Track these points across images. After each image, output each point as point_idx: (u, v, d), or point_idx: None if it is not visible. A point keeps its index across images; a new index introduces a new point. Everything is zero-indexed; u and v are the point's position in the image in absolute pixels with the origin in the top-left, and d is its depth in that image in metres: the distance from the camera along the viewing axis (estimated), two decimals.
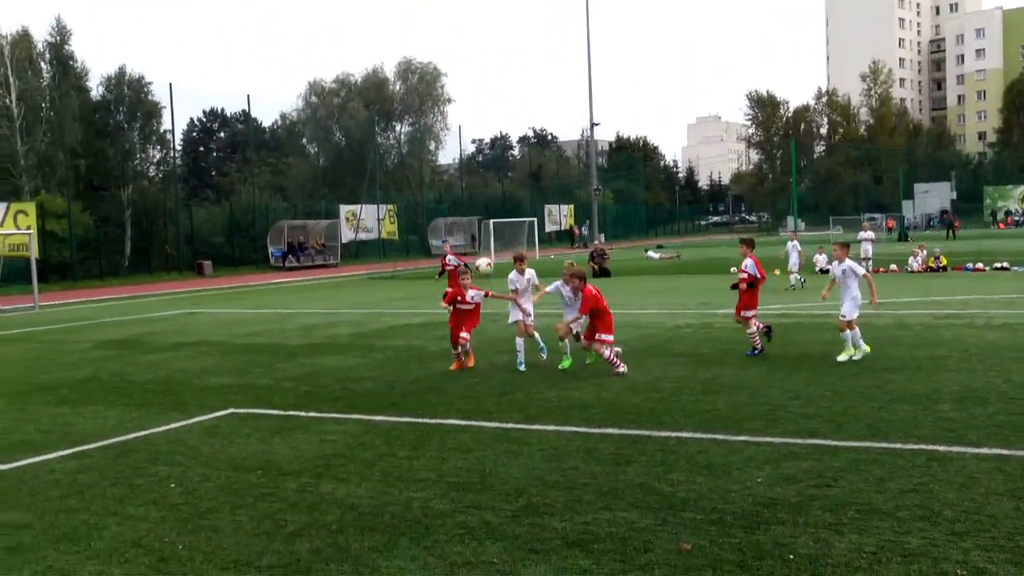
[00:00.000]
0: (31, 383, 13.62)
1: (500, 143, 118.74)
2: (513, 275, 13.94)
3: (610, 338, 12.44)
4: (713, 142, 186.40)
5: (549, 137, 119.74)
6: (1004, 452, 7.69)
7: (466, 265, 19.59)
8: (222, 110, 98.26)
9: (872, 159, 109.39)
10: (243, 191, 64.23)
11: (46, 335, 21.18)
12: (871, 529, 5.94)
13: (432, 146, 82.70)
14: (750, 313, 13.94)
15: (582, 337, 12.89)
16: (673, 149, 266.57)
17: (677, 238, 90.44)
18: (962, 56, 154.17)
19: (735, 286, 14.40)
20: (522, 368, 12.88)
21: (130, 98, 53.45)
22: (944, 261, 32.09)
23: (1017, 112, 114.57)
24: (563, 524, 6.25)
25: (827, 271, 32.37)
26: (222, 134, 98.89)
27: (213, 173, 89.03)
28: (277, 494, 7.22)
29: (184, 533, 6.36)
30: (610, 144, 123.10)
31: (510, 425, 9.44)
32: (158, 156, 57.87)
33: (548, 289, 13.71)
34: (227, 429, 9.81)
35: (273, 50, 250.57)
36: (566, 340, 13.24)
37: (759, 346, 13.66)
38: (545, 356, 13.54)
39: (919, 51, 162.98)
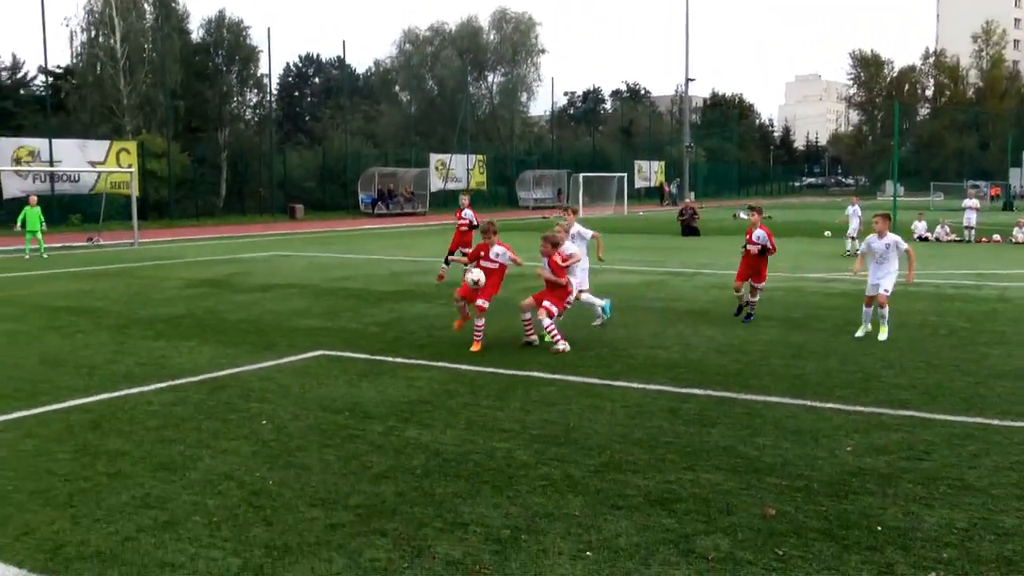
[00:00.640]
0: (130, 317, 14.09)
1: (592, 96, 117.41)
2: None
3: (555, 309, 11.17)
4: (811, 102, 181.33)
5: (642, 92, 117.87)
6: None
7: (473, 225, 18.67)
8: (317, 56, 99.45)
9: (980, 123, 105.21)
10: (335, 137, 64.99)
11: (144, 271, 21.87)
12: (963, 505, 5.79)
13: (524, 97, 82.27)
14: (761, 284, 13.55)
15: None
16: (769, 108, 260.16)
17: (770, 199, 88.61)
18: None
19: (745, 253, 13.58)
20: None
21: (229, 41, 54.39)
22: None
23: None
24: (645, 482, 6.24)
25: (926, 238, 31.47)
26: (317, 80, 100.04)
27: (307, 118, 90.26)
28: (364, 436, 7.36)
29: (274, 469, 6.53)
30: (704, 101, 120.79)
31: (594, 380, 9.43)
32: (254, 100, 59.03)
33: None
34: (316, 370, 10.02)
35: None
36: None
37: (752, 314, 13.48)
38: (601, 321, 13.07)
39: None
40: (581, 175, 56.12)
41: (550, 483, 6.22)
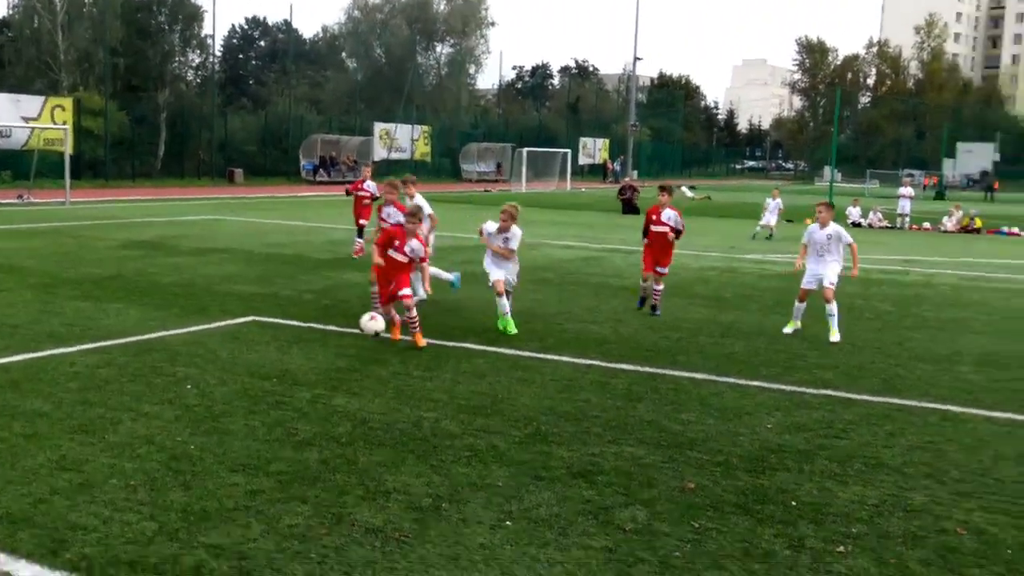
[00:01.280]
0: (58, 277, 13.78)
1: (540, 72, 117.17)
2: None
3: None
4: (756, 85, 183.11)
5: (591, 69, 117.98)
6: (1018, 417, 7.65)
7: (375, 197, 17.30)
8: (264, 18, 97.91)
9: (917, 114, 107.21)
10: (279, 102, 64.03)
11: (75, 230, 21.38)
12: (876, 482, 5.95)
13: (472, 70, 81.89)
14: (666, 270, 12.43)
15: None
16: (716, 90, 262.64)
17: (711, 180, 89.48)
18: (1023, 14, 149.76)
19: (650, 236, 12.34)
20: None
21: (172, 0, 53.11)
22: (979, 223, 31.60)
23: None
24: (570, 454, 6.30)
25: (859, 224, 32.07)
26: (262, 43, 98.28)
27: (251, 82, 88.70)
28: (291, 403, 7.31)
29: (197, 434, 6.46)
30: (652, 80, 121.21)
31: (526, 353, 9.47)
32: (197, 61, 57.75)
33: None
34: (247, 336, 9.92)
35: None
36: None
37: (658, 306, 12.20)
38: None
39: (978, 6, 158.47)
40: (525, 150, 56.03)
41: (475, 453, 6.24)
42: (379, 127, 59.97)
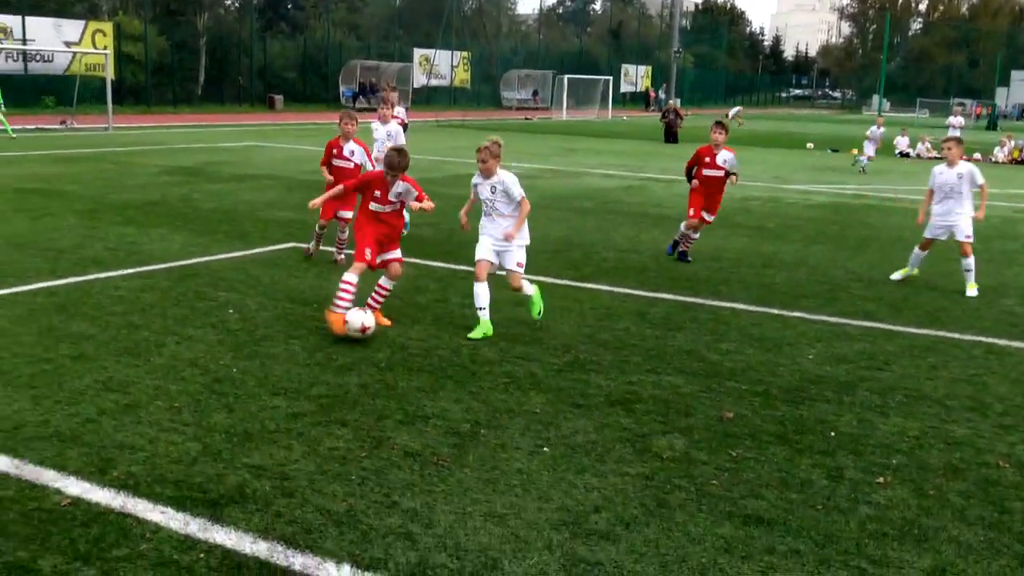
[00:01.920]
0: (101, 202, 13.91)
1: None
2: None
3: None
4: (804, 11, 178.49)
5: None
6: None
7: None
8: None
9: (970, 41, 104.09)
10: (317, 27, 63.51)
11: (118, 156, 21.52)
12: (917, 414, 5.90)
13: None
14: (713, 217, 11.16)
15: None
16: (761, 16, 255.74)
17: (756, 108, 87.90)
18: None
19: (701, 178, 10.90)
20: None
21: None
22: None
23: None
24: (608, 382, 6.30)
25: (907, 154, 31.38)
26: None
27: (289, 6, 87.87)
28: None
29: (239, 358, 6.54)
30: (696, 6, 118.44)
31: (564, 282, 9.45)
32: None
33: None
34: (287, 262, 9.98)
35: None
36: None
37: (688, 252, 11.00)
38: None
39: None
40: (566, 77, 55.29)
41: (513, 380, 6.27)
42: (418, 53, 59.39)
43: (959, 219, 9.87)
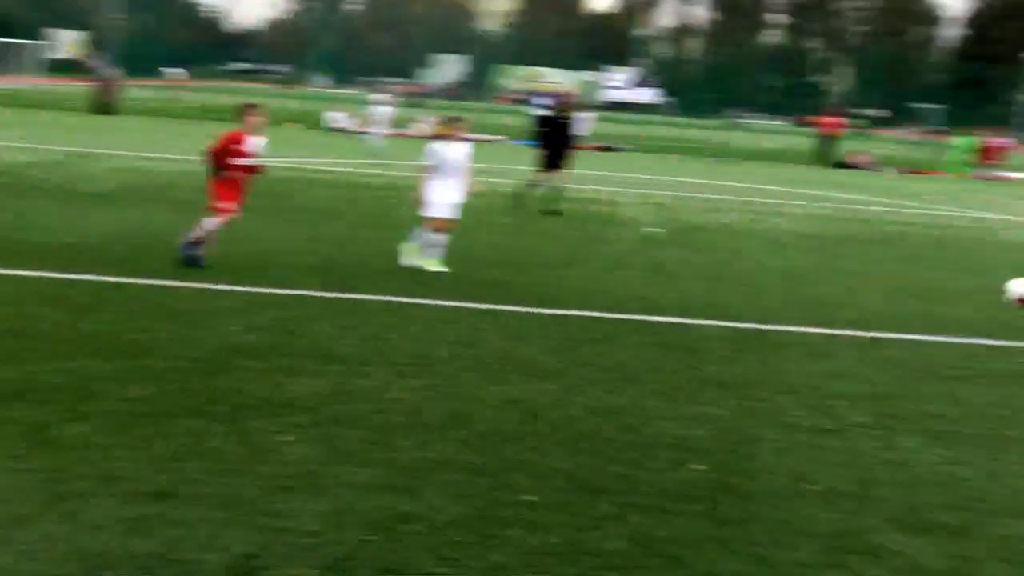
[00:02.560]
0: None
1: None
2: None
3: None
4: None
5: None
6: (458, 304, 8.52)
7: None
8: None
9: (401, 22, 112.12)
10: None
11: None
12: (326, 373, 6.30)
13: None
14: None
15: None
16: None
17: (199, 81, 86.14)
18: None
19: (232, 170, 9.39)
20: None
21: None
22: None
23: None
24: (8, 373, 5.81)
25: (344, 129, 33.00)
26: None
27: None
28: None
29: None
30: None
31: None
32: None
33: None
34: None
35: None
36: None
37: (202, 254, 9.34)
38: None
39: None
40: None
41: None
42: None
43: (457, 195, 10.15)
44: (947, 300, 10.48)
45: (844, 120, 34.13)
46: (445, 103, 64.89)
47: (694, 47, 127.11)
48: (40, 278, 8.34)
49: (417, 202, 10.21)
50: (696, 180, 23.93)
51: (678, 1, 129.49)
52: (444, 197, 10.03)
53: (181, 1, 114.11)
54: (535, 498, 4.66)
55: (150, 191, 14.49)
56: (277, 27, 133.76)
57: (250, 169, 9.54)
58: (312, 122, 34.28)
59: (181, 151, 19.89)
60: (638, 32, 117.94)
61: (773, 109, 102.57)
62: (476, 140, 16.15)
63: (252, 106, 9.72)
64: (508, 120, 40.80)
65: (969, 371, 7.61)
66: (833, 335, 8.52)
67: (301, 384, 6.03)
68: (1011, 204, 23.90)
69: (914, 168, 35.20)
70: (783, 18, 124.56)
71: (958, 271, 12.62)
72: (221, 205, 9.34)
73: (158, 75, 77.87)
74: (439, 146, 10.28)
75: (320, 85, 69.53)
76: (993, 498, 5.09)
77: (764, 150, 40.27)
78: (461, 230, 10.52)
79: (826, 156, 33.53)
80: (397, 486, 4.68)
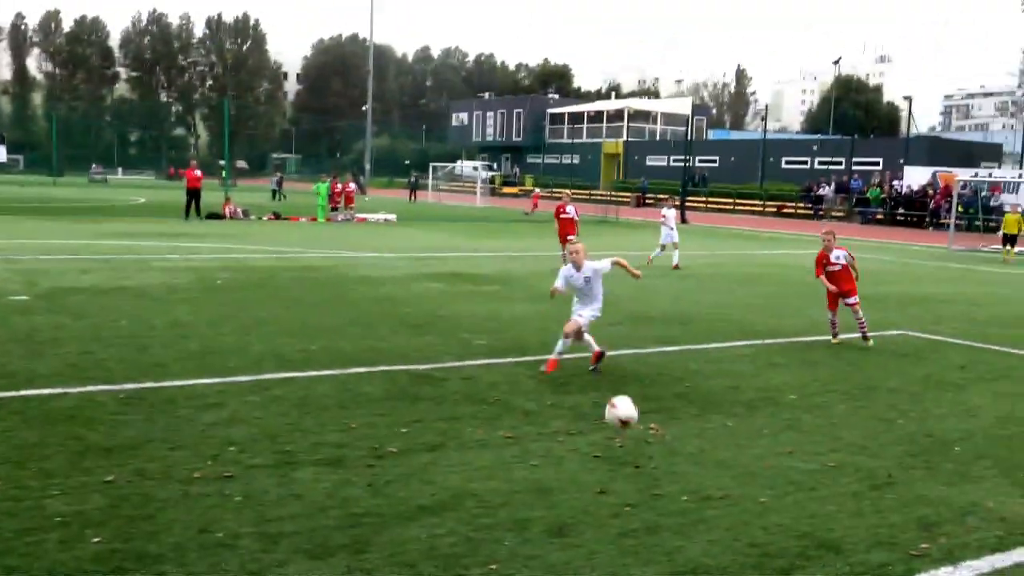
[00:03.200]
0: None
1: None
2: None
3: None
4: None
5: None
6: None
7: None
8: None
9: None
10: None
11: None
12: None
13: None
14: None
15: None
16: None
17: None
18: None
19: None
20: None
21: None
22: None
23: None
24: None
25: None
26: None
27: None
28: None
29: None
30: None
31: None
32: None
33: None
34: None
35: None
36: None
37: None
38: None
39: None
40: None
41: None
42: None
43: None
44: (322, 336, 11.24)
45: (200, 173, 34.64)
46: None
47: (37, 102, 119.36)
48: None
49: None
50: (60, 241, 22.47)
51: (10, 54, 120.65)
52: None
53: None
54: None
55: None
56: None
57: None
58: None
59: None
60: None
61: (137, 163, 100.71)
62: None
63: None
64: None
65: (347, 398, 8.27)
66: (224, 383, 8.65)
67: None
68: (364, 242, 26.39)
69: (281, 215, 37.11)
70: (132, 72, 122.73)
71: (328, 308, 13.58)
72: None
73: None
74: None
75: None
76: (379, 511, 5.61)
77: (133, 206, 39.28)
78: None
79: (196, 207, 33.73)
80: None
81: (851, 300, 12.26)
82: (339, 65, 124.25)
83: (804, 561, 5.12)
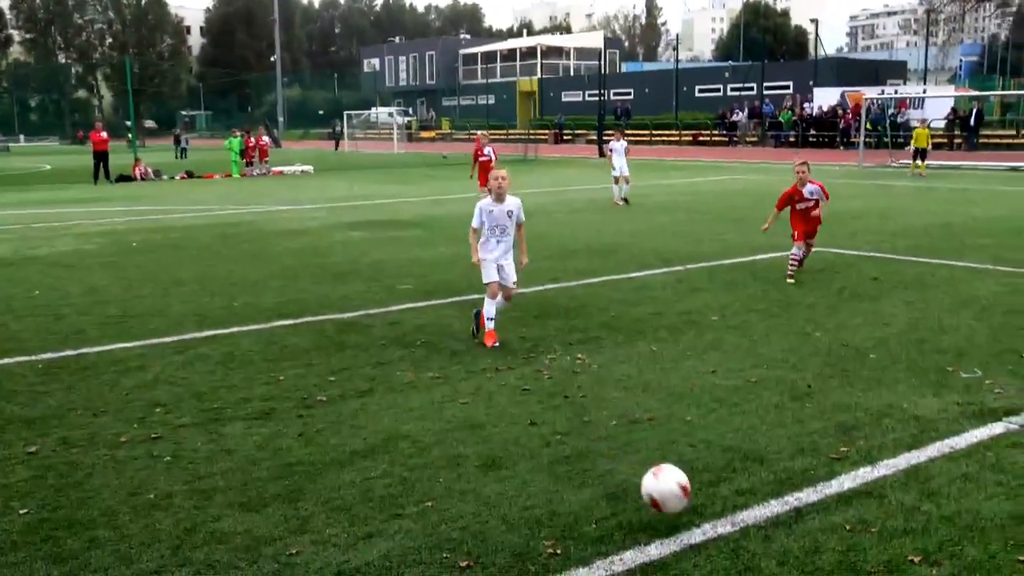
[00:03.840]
0: None
1: None
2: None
3: None
4: None
5: None
6: None
7: None
8: None
9: None
10: None
11: None
12: None
13: None
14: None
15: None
16: None
17: None
18: None
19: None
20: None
21: None
22: None
23: None
24: None
25: None
26: None
27: None
28: None
29: None
30: None
31: None
32: None
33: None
34: None
35: None
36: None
37: None
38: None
39: None
40: None
41: None
42: None
43: None
44: (244, 292, 11.09)
45: (107, 135, 33.60)
46: None
47: None
48: None
49: None
50: None
51: None
52: None
53: None
54: None
55: None
56: None
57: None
58: None
59: None
60: None
61: (40, 130, 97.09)
62: None
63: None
64: None
65: (273, 352, 8.21)
66: (146, 345, 8.50)
67: None
68: (282, 195, 25.98)
69: (194, 173, 36.25)
70: (26, 34, 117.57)
71: (248, 263, 13.39)
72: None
73: None
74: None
75: None
76: (311, 459, 5.62)
77: (39, 173, 38.01)
78: None
79: (105, 171, 32.75)
80: None
81: (812, 240, 11.56)
82: (243, 16, 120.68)
83: (731, 473, 5.28)
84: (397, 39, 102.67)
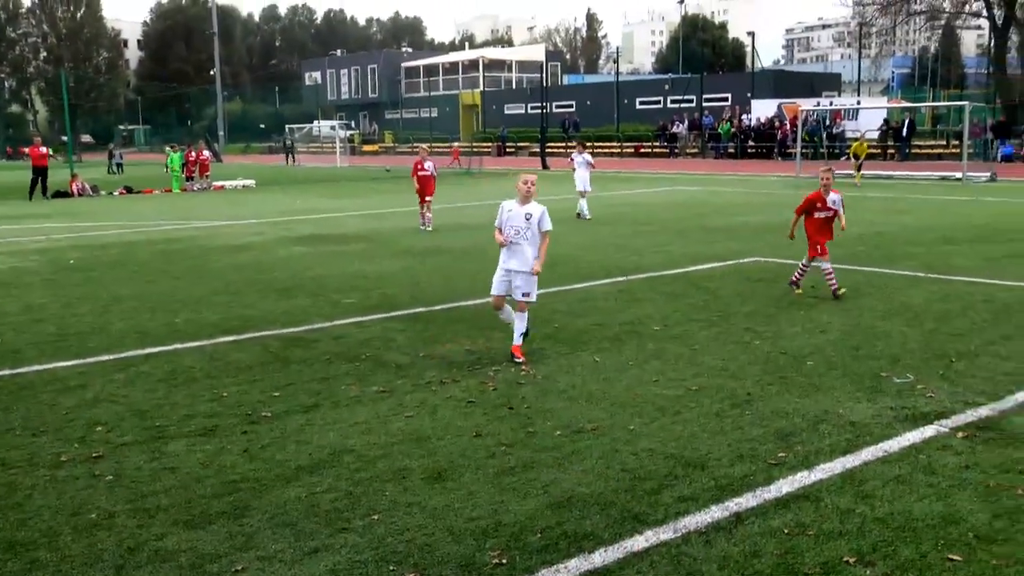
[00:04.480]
0: None
1: None
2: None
3: None
4: None
5: None
6: None
7: None
8: None
9: None
10: None
11: None
12: None
13: None
14: None
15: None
16: None
17: None
18: None
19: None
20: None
21: None
22: None
23: None
24: None
25: None
26: None
27: None
28: None
29: None
30: None
31: None
32: None
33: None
34: None
35: None
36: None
37: None
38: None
39: None
40: None
41: None
42: None
43: None
44: (186, 308, 10.98)
45: (46, 150, 33.03)
46: None
47: None
48: None
49: None
50: None
51: None
52: None
53: None
54: None
55: None
56: None
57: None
58: None
59: None
60: None
61: None
62: None
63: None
64: None
65: (216, 368, 8.15)
66: (85, 364, 8.38)
67: None
68: (223, 210, 25.72)
69: (133, 189, 35.70)
70: None
71: (190, 279, 13.25)
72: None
73: None
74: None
75: None
76: (256, 475, 5.60)
77: None
78: None
79: (43, 187, 32.11)
80: None
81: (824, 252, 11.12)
82: (182, 29, 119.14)
83: (672, 480, 5.38)
84: (339, 52, 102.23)
